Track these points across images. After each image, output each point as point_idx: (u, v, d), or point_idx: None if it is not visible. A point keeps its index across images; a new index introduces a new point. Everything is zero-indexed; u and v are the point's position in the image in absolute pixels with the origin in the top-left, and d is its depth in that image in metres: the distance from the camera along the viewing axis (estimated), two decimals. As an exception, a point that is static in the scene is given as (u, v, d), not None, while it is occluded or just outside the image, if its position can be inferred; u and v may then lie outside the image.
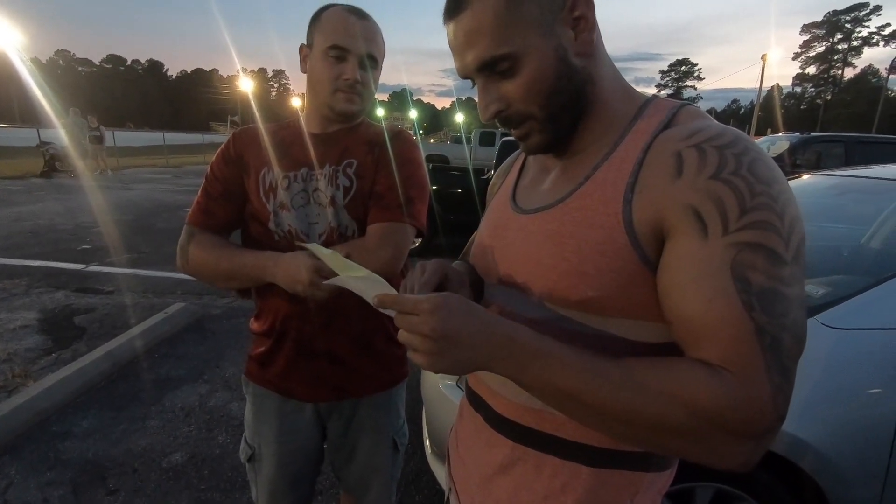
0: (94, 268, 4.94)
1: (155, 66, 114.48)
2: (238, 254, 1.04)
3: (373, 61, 1.06)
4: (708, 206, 0.50)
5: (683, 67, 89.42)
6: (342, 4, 1.05)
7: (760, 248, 0.48)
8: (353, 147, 1.10)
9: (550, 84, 0.59)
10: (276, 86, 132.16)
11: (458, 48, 0.60)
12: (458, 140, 21.01)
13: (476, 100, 0.64)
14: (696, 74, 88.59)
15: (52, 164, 12.52)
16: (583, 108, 0.62)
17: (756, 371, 0.47)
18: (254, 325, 1.17)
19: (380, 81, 1.13)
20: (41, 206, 8.24)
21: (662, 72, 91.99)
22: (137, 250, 5.67)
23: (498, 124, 0.65)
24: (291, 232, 1.07)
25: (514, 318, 0.61)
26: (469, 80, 0.64)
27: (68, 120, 13.64)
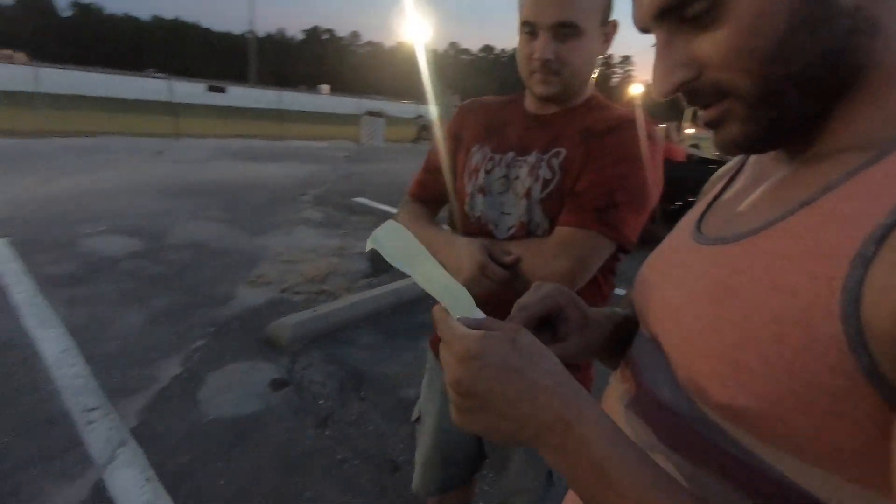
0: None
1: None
2: (424, 227, 1.04)
3: (570, 28, 0.86)
4: None
5: None
6: None
7: None
8: (565, 134, 0.94)
9: (777, 37, 0.35)
10: (619, 72, 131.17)
11: None
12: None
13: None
14: None
15: (421, 132, 15.87)
16: (841, 81, 0.36)
17: None
18: None
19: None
20: (403, 165, 10.58)
21: None
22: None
23: (685, 103, 0.42)
24: (481, 219, 1.01)
25: (645, 392, 0.46)
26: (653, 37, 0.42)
27: (443, 99, 17.00)
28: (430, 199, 1.14)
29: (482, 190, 1.01)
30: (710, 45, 0.37)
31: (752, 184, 0.47)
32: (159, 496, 1.77)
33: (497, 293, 0.85)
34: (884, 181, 0.32)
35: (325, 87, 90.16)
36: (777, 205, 0.39)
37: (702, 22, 0.37)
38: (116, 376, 2.43)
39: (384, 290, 3.49)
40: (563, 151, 0.93)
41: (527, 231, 0.96)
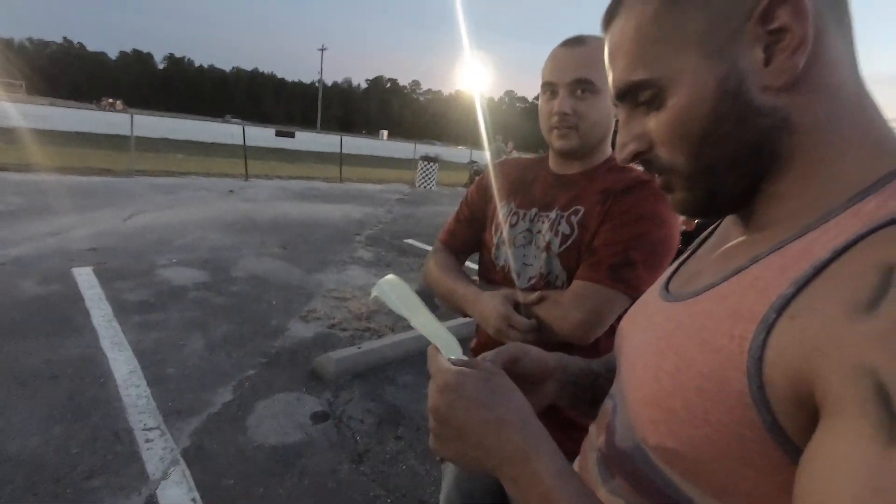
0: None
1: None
2: (454, 280, 1.12)
3: (587, 85, 0.94)
4: None
5: None
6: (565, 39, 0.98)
7: None
8: (586, 194, 1.02)
9: (703, 127, 0.41)
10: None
11: (608, 66, 0.48)
12: None
13: None
14: None
15: (473, 177, 16.23)
16: (768, 164, 0.41)
17: None
18: (473, 342, 1.25)
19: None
20: (454, 208, 10.79)
21: None
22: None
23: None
24: (505, 268, 1.08)
25: (611, 434, 0.49)
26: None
27: (492, 145, 17.40)
28: (459, 247, 1.22)
29: (507, 242, 1.08)
30: (655, 125, 0.44)
31: (714, 246, 0.52)
32: (203, 516, 1.88)
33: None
34: (797, 255, 0.36)
35: (384, 133, 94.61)
36: (721, 269, 0.44)
37: (651, 105, 0.44)
38: (174, 398, 2.61)
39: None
40: (582, 209, 1.00)
41: (546, 282, 1.02)
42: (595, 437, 0.54)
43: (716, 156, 0.42)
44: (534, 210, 1.07)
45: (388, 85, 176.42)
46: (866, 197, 0.36)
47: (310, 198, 10.41)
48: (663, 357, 0.43)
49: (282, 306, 4.06)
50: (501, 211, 1.12)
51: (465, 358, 0.51)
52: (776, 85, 0.39)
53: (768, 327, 0.34)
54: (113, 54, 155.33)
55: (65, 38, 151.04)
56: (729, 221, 0.52)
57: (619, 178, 1.01)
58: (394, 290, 0.58)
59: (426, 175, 15.07)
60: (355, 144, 25.16)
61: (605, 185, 1.01)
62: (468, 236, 1.21)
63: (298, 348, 3.35)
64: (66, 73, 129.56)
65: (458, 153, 27.79)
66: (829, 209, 0.38)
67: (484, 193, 1.20)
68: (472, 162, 17.15)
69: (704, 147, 0.42)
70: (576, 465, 0.57)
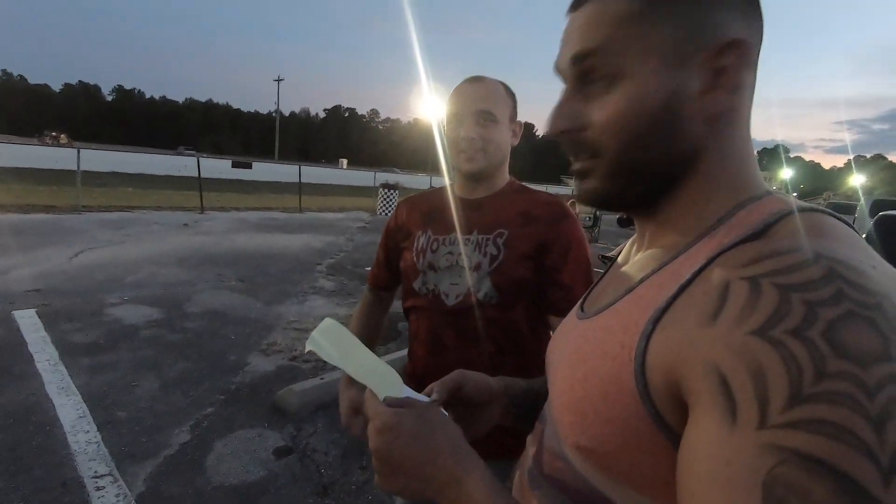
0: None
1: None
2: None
3: (488, 115, 1.09)
4: (740, 374, 0.33)
5: None
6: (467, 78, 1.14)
7: (822, 469, 0.29)
8: (504, 217, 1.13)
9: (643, 124, 0.44)
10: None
11: (564, 42, 0.49)
12: (839, 207, 16.65)
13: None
14: None
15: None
16: (670, 182, 0.47)
17: None
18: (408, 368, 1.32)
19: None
20: (417, 234, 10.84)
21: None
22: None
23: (562, 148, 0.51)
24: (434, 290, 1.16)
25: (541, 443, 0.55)
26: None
27: (452, 171, 17.70)
28: (384, 285, 1.35)
29: (431, 266, 1.17)
30: (598, 110, 0.46)
31: (618, 267, 0.57)
32: (159, 564, 1.80)
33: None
34: (670, 276, 0.43)
35: (343, 161, 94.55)
36: (618, 289, 0.50)
37: (599, 86, 0.46)
38: (127, 442, 2.51)
39: (390, 358, 3.57)
40: (506, 232, 1.11)
41: (476, 299, 1.11)
42: (529, 449, 0.59)
43: (641, 155, 0.45)
44: (453, 235, 1.16)
45: (347, 114, 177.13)
46: (720, 225, 0.43)
47: (268, 228, 10.25)
48: (575, 368, 0.48)
49: (240, 341, 3.98)
50: (420, 240, 1.20)
51: (401, 397, 0.55)
52: (704, 115, 0.44)
53: (647, 336, 0.40)
54: (56, 87, 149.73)
55: (3, 70, 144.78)
56: (627, 247, 0.59)
57: (531, 201, 1.15)
58: (329, 337, 0.59)
59: (387, 202, 15.14)
60: (315, 173, 25.02)
61: (521, 209, 1.13)
62: (389, 276, 1.33)
63: (259, 383, 3.28)
64: (6, 106, 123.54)
65: (418, 179, 28.08)
66: (698, 234, 0.44)
67: (395, 234, 1.29)
68: (433, 188, 17.36)
69: (637, 142, 0.45)
70: (515, 479, 0.61)
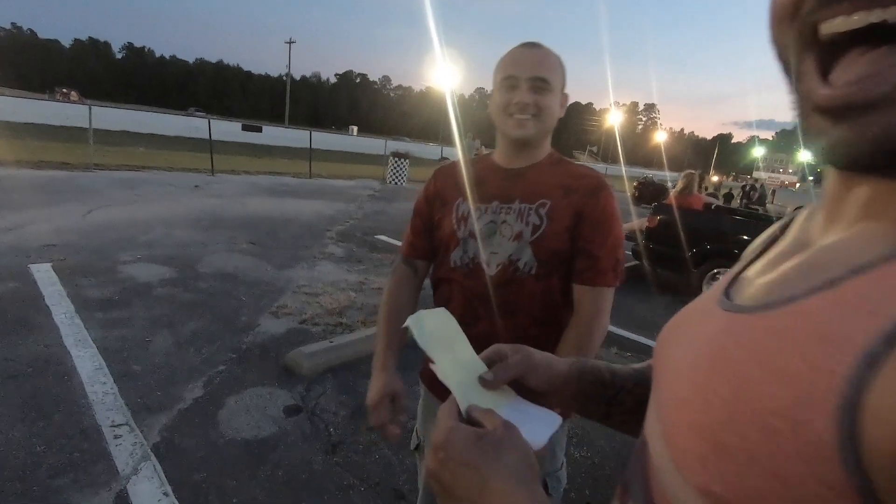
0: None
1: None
2: (380, 324, 1.24)
3: (544, 83, 1.06)
4: None
5: None
6: (521, 43, 1.10)
7: None
8: (546, 188, 1.12)
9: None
10: (644, 119, 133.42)
11: None
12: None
13: None
14: None
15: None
16: None
17: None
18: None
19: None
20: (427, 205, 10.81)
21: None
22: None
23: None
24: (475, 258, 1.15)
25: (644, 462, 0.42)
26: None
27: (465, 141, 17.54)
28: (422, 255, 1.29)
29: (473, 235, 1.16)
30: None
31: (792, 250, 0.41)
32: (175, 509, 1.88)
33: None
34: None
35: (354, 128, 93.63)
36: (805, 278, 0.34)
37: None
38: (142, 395, 2.58)
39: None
40: (549, 202, 1.10)
41: (515, 267, 1.10)
42: (633, 467, 0.45)
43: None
44: (495, 203, 1.15)
45: (358, 80, 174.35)
46: None
47: (279, 193, 10.26)
48: (718, 378, 0.33)
49: (251, 302, 4.03)
50: (461, 208, 1.18)
51: (480, 407, 0.49)
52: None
53: (874, 361, 0.25)
54: (67, 42, 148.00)
55: (13, 23, 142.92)
56: (812, 222, 0.42)
57: (572, 174, 1.13)
58: (434, 320, 0.57)
59: (397, 171, 15.04)
60: (324, 140, 24.81)
61: (563, 182, 1.11)
62: (427, 245, 1.28)
63: (269, 344, 3.34)
64: (15, 61, 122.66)
65: (429, 149, 27.80)
66: None
67: (433, 201, 1.26)
68: (444, 158, 17.22)
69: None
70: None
